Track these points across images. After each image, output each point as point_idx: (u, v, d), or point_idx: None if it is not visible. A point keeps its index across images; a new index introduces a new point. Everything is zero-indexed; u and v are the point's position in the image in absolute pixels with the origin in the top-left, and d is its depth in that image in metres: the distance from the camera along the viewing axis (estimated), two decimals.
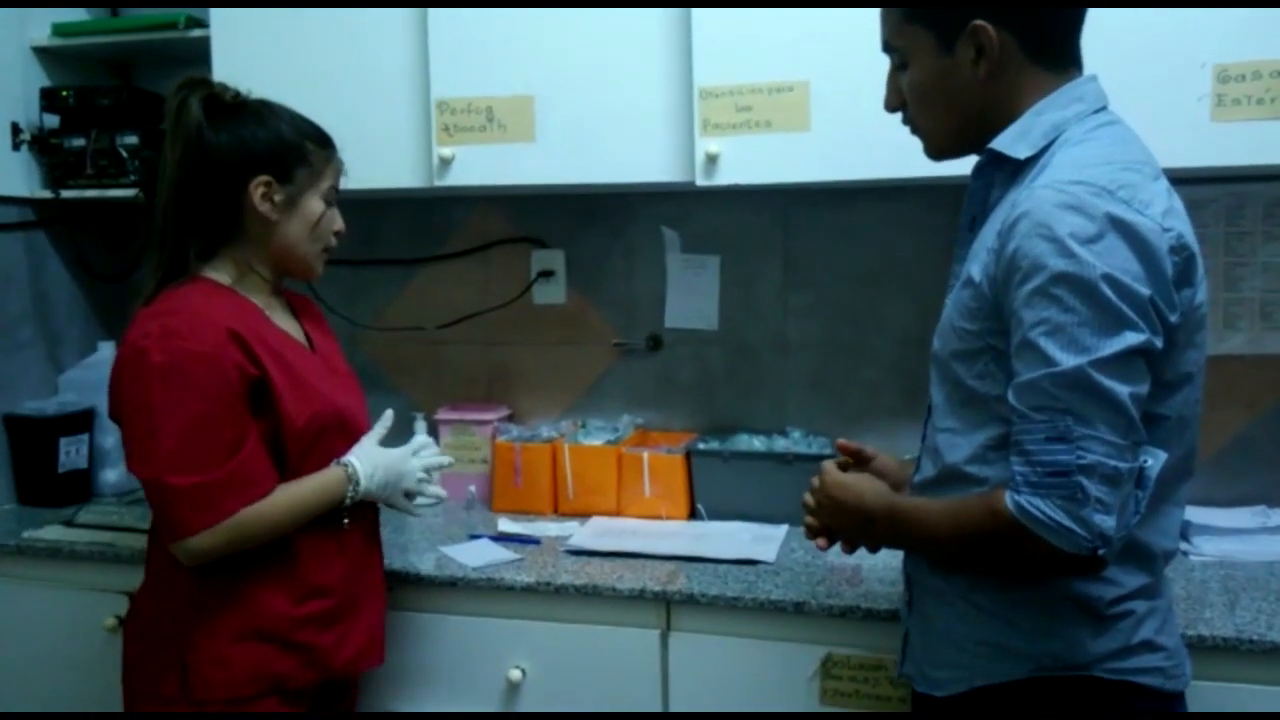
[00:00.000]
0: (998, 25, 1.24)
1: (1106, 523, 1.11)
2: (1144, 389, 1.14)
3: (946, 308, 1.31)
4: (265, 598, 1.55)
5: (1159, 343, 1.15)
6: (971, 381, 1.25)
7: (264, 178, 1.55)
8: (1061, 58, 1.28)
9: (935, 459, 1.31)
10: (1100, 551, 1.12)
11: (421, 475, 1.71)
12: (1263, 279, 2.01)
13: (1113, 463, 1.11)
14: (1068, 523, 1.11)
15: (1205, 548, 1.85)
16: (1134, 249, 1.13)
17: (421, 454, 1.73)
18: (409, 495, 1.71)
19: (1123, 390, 1.12)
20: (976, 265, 1.23)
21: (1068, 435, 1.11)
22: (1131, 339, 1.12)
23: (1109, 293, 1.11)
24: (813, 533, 1.45)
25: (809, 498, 1.45)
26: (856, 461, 1.52)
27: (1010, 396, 1.16)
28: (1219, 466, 2.02)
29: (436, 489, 1.75)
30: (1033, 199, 1.16)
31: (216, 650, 1.52)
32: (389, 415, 1.71)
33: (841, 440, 1.53)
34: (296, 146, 1.58)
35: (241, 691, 1.53)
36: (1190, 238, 1.19)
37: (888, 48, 1.35)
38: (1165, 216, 1.17)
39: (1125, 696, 1.23)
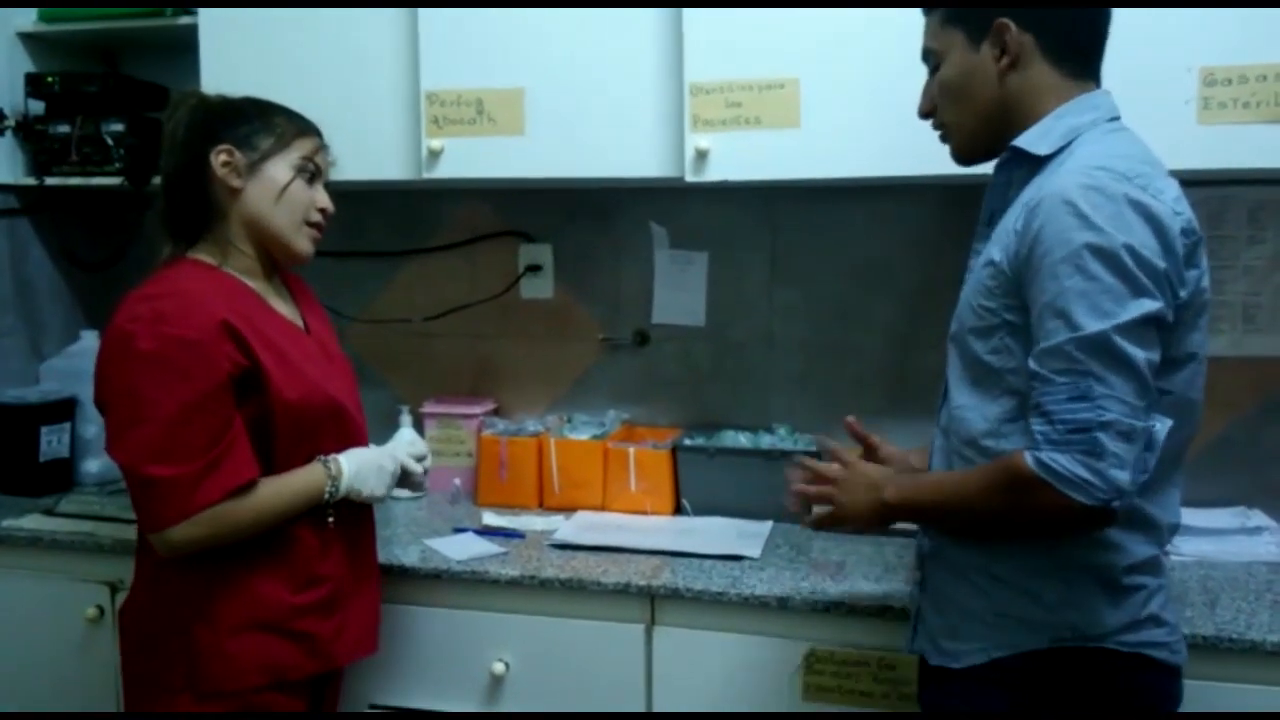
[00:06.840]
0: (1020, 25, 1.34)
1: (1122, 476, 1.19)
2: (1156, 356, 1.22)
3: (964, 291, 1.39)
4: (263, 587, 1.54)
5: (1170, 315, 1.23)
6: (987, 356, 1.32)
7: (224, 146, 1.56)
8: (1081, 67, 1.37)
9: (950, 436, 1.39)
10: (1114, 504, 1.20)
11: (410, 463, 1.72)
12: (1245, 282, 2.03)
13: (1129, 420, 1.19)
14: (1087, 475, 1.18)
15: (1184, 548, 1.86)
16: (1150, 226, 1.21)
17: (413, 446, 1.76)
18: (406, 479, 1.72)
19: (1140, 355, 1.20)
20: (998, 248, 1.32)
21: (1089, 394, 1.19)
22: (1149, 306, 1.20)
23: (1130, 262, 1.19)
24: (814, 522, 1.49)
25: (830, 472, 1.47)
26: (865, 448, 1.58)
27: (1031, 363, 1.24)
28: (1200, 467, 2.02)
29: (417, 467, 1.75)
30: (1057, 182, 1.25)
31: (218, 643, 1.52)
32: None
33: (851, 419, 1.57)
34: (259, 116, 1.60)
35: (246, 682, 1.53)
36: (1197, 225, 1.28)
37: (926, 54, 1.45)
38: (1177, 202, 1.26)
39: (1136, 668, 1.32)
